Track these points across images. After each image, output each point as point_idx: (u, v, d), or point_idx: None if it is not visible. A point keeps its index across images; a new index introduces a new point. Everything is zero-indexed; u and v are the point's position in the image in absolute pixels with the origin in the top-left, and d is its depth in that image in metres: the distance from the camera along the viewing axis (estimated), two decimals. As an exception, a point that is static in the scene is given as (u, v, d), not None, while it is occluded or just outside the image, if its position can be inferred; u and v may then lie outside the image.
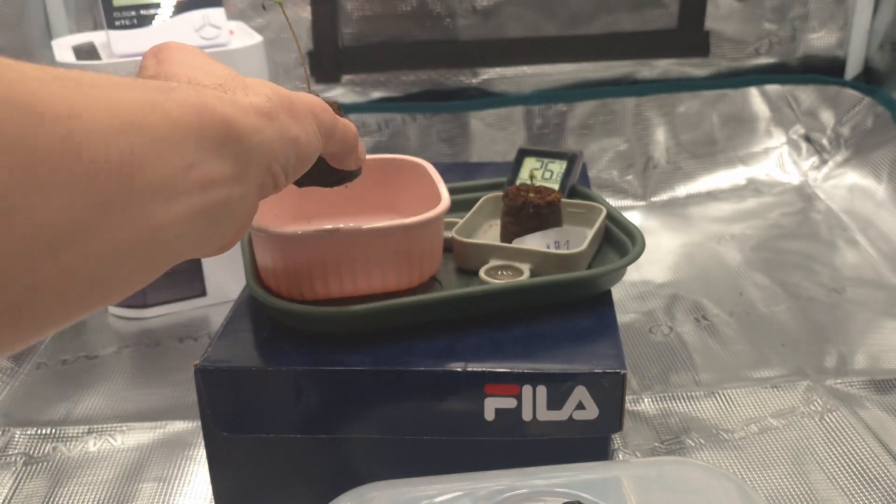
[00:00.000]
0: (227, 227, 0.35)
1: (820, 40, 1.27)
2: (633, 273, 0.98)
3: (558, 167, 0.71)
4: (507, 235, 0.64)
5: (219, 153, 0.32)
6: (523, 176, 0.71)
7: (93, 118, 0.26)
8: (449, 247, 0.63)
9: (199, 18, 0.88)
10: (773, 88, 1.25)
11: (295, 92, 0.41)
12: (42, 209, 0.24)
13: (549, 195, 0.64)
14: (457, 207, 0.65)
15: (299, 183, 0.48)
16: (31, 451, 0.72)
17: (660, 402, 0.76)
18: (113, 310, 0.94)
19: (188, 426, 0.74)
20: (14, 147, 0.23)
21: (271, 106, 0.37)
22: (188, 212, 0.31)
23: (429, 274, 0.59)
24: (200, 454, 0.71)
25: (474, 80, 1.24)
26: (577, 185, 0.72)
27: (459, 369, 0.52)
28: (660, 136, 1.24)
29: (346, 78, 1.22)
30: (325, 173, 0.48)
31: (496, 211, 0.68)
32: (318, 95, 0.45)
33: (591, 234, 0.62)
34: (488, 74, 1.24)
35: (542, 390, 0.51)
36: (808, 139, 1.24)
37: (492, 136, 1.22)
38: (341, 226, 0.57)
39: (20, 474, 0.69)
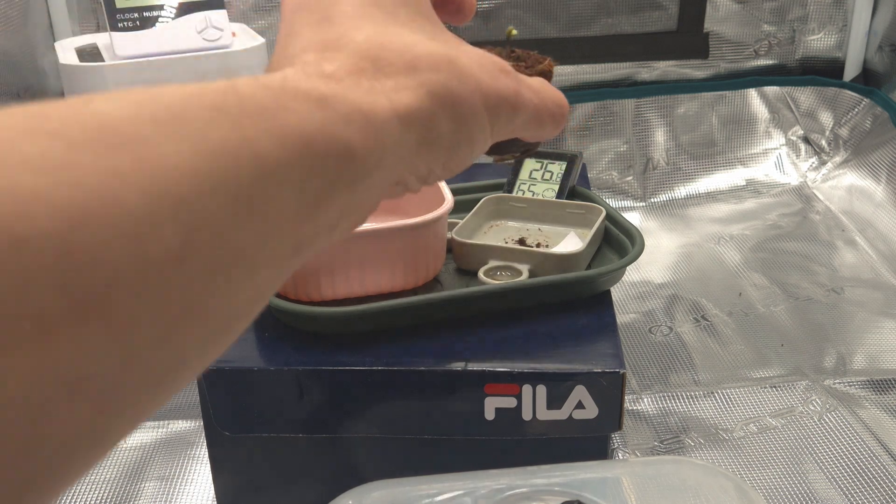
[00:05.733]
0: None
1: (819, 42, 1.27)
2: (633, 273, 0.99)
3: (558, 168, 0.72)
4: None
5: (332, 186, 0.24)
6: (523, 177, 0.72)
7: (132, 206, 0.17)
8: (448, 247, 0.63)
9: (201, 20, 0.88)
10: (772, 90, 1.25)
11: (472, 73, 0.30)
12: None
13: (539, 63, 0.46)
14: (457, 208, 0.66)
15: None
16: (34, 451, 0.72)
17: (659, 402, 0.76)
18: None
19: (190, 425, 0.75)
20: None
21: (421, 110, 0.28)
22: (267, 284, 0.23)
23: (432, 274, 0.59)
24: (203, 453, 0.71)
25: (475, 82, 1.24)
26: (576, 186, 0.73)
27: (459, 369, 0.52)
28: (659, 137, 1.24)
29: (346, 79, 1.23)
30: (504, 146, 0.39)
31: (496, 212, 0.68)
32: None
33: (590, 234, 0.63)
34: (488, 76, 1.24)
35: (541, 390, 0.52)
36: (806, 140, 1.24)
37: (492, 137, 1.23)
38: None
39: (23, 474, 0.70)
